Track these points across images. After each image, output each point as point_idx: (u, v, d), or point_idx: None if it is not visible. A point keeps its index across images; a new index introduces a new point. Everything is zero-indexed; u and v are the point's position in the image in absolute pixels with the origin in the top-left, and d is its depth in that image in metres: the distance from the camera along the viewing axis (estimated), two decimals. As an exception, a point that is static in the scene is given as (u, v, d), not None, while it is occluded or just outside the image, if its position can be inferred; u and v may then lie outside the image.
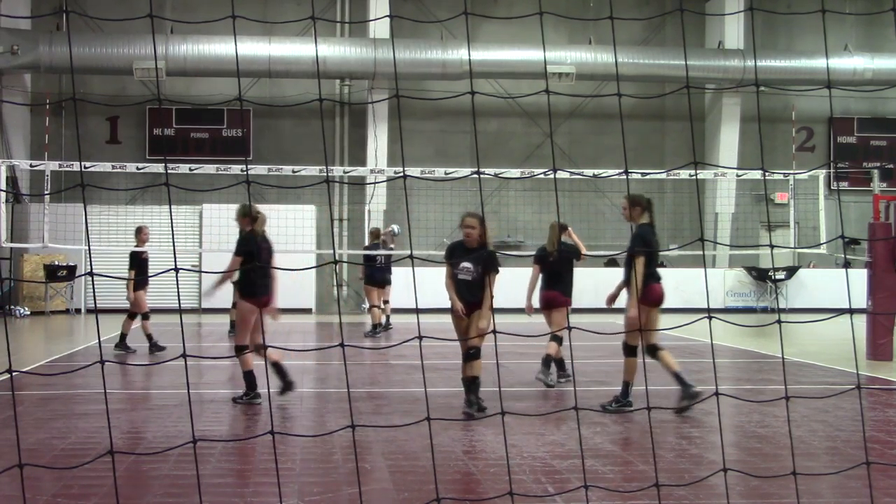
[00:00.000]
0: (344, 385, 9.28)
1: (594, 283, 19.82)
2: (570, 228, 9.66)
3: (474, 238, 7.63)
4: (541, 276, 9.49)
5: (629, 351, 7.83)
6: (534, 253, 9.80)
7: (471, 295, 7.54)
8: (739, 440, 6.83)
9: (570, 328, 3.68)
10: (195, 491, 5.03)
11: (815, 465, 5.94)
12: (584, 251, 9.60)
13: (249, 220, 8.35)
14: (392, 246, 16.06)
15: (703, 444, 6.61)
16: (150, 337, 12.09)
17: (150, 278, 11.88)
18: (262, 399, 8.18)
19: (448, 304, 7.62)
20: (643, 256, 7.52)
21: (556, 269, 9.41)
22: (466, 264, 7.55)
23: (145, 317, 12.20)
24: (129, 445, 6.40)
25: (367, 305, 16.51)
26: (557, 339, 9.26)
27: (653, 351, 7.65)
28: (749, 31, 22.87)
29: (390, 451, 6.29)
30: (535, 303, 9.51)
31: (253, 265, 8.06)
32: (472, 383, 7.54)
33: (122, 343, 12.19)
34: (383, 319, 15.43)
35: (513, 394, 9.00)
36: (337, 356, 11.39)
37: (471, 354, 7.55)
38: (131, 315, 12.23)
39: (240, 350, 8.18)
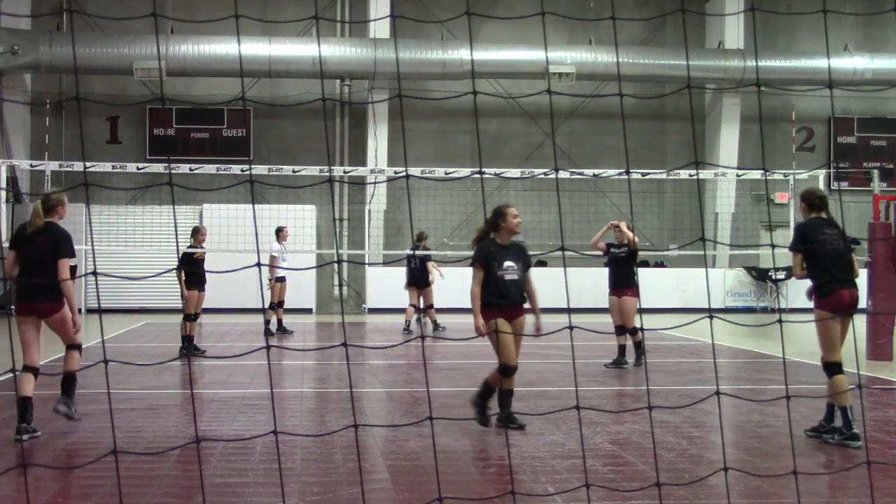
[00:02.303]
0: (344, 385, 9.29)
1: (594, 283, 19.85)
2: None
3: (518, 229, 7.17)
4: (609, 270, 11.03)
5: (829, 368, 6.57)
6: (536, 253, 10.14)
7: (519, 296, 7.03)
8: (739, 440, 6.82)
9: (571, 328, 3.68)
10: (196, 491, 5.04)
11: (816, 465, 5.95)
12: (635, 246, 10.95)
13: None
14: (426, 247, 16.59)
15: (703, 443, 6.61)
16: (185, 338, 12.03)
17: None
18: (39, 433, 6.66)
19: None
20: (798, 254, 6.65)
21: (629, 264, 10.84)
22: (510, 262, 6.95)
23: (189, 318, 12.11)
24: (129, 445, 6.40)
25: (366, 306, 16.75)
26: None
27: (830, 369, 6.57)
28: (749, 31, 22.87)
29: (390, 451, 6.30)
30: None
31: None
32: (509, 396, 7.11)
33: (189, 346, 12.08)
34: (415, 319, 15.84)
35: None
36: (337, 356, 11.39)
37: (513, 369, 7.00)
38: (186, 317, 12.16)
39: (30, 370, 6.65)
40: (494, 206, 7.28)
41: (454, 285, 20.57)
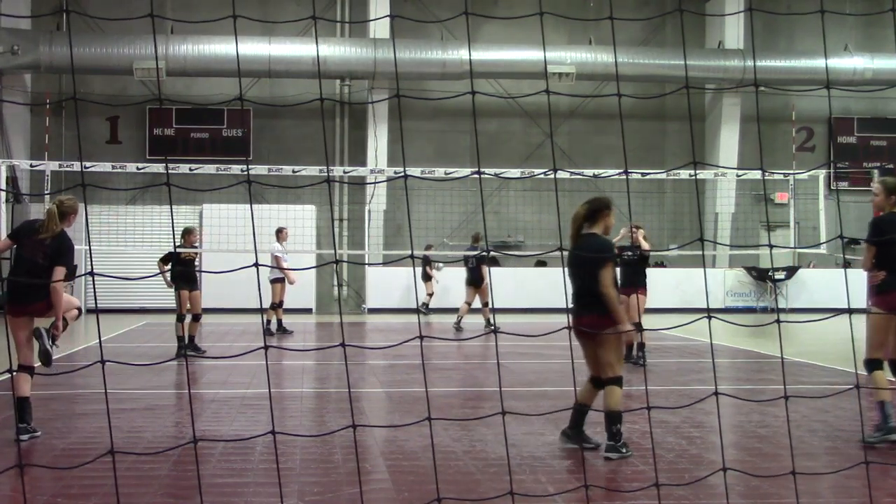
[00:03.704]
0: (344, 385, 9.28)
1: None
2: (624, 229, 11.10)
3: None
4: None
5: (869, 365, 6.60)
6: (536, 253, 10.18)
7: None
8: (739, 440, 6.82)
9: (570, 328, 3.68)
10: (195, 491, 5.04)
11: (814, 465, 5.94)
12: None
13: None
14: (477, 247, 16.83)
15: (702, 444, 6.61)
16: (180, 339, 11.95)
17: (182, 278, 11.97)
18: (39, 433, 6.70)
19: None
20: (872, 247, 6.54)
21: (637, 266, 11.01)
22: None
23: (179, 318, 12.08)
24: (129, 445, 6.40)
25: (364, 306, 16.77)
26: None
27: (870, 365, 6.61)
28: (749, 31, 22.87)
29: (390, 451, 6.29)
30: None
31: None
32: (614, 418, 6.16)
33: (190, 345, 12.08)
34: (481, 320, 16.18)
35: (513, 394, 9.00)
36: (336, 356, 11.39)
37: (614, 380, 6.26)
38: (178, 317, 12.09)
39: (26, 370, 6.63)
40: (596, 197, 6.52)
41: (454, 285, 20.67)
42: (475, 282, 16.10)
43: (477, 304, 16.31)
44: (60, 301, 6.70)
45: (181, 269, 12.05)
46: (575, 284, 6.34)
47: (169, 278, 11.95)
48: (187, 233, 12.49)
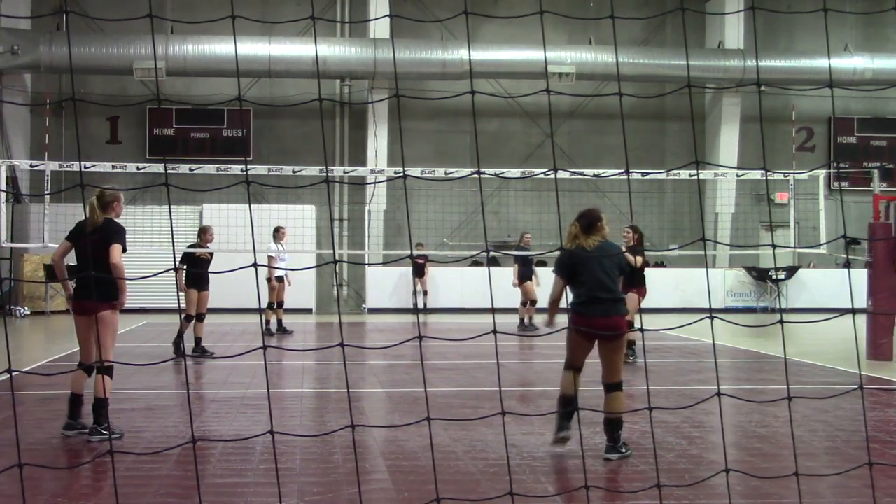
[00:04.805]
0: (344, 385, 9.28)
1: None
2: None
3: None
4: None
5: None
6: (536, 253, 10.05)
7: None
8: (740, 440, 6.82)
9: (569, 328, 3.67)
10: (195, 491, 5.03)
11: (816, 466, 5.94)
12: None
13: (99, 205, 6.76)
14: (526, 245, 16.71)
15: (703, 444, 6.60)
16: (181, 336, 11.67)
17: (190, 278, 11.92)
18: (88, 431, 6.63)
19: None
20: None
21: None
22: None
23: (189, 319, 11.95)
24: (129, 445, 6.40)
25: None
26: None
27: None
28: (749, 31, 22.87)
29: (390, 451, 6.29)
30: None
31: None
32: (610, 425, 6.19)
33: (197, 347, 12.02)
34: (527, 318, 16.04)
35: (513, 394, 8.99)
36: (336, 356, 11.38)
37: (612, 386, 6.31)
38: (187, 317, 11.98)
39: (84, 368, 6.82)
40: (589, 210, 6.53)
41: (453, 285, 20.66)
42: (526, 278, 16.02)
43: (515, 302, 16.27)
44: (122, 274, 6.57)
45: (197, 271, 11.93)
46: (605, 284, 6.21)
47: (184, 279, 11.86)
48: (203, 231, 12.31)
